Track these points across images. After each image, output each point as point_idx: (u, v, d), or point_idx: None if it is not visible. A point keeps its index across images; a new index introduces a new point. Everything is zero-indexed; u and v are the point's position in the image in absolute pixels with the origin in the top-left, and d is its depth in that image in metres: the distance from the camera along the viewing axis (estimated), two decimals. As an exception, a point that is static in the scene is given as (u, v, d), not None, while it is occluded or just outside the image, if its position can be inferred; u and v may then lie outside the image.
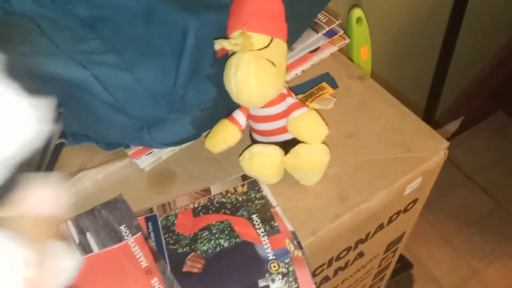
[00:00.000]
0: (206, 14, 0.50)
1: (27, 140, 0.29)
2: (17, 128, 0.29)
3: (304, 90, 0.60)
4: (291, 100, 0.51)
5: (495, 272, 1.51)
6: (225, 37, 0.48)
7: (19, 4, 0.51)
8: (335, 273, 0.60)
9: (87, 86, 0.48)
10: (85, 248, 0.47)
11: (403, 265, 1.31)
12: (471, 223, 1.60)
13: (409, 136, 0.57)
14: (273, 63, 0.47)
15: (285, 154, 0.51)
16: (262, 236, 0.48)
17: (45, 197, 0.31)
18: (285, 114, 0.51)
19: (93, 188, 0.54)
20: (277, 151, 0.50)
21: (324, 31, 0.63)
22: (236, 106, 0.52)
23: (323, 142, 0.51)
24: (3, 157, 0.28)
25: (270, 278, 0.46)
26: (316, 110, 0.56)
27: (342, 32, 0.64)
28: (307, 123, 0.50)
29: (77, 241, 0.48)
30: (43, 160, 0.51)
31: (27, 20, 0.51)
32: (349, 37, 0.66)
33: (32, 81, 0.52)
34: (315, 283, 0.58)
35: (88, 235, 0.48)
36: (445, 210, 1.59)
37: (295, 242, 0.48)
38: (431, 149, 0.56)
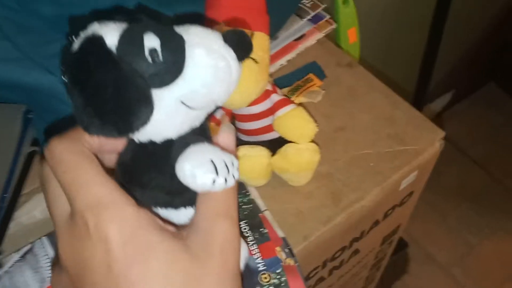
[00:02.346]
0: (182, 6, 0.46)
1: None
2: None
3: (290, 82, 0.56)
4: (276, 97, 0.47)
5: (491, 247, 1.51)
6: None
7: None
8: (330, 273, 0.58)
9: (55, 92, 0.45)
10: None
11: (398, 245, 1.29)
12: (466, 198, 1.59)
13: (403, 127, 0.54)
14: (255, 60, 0.43)
15: (272, 154, 0.48)
16: (251, 245, 0.45)
17: None
18: (271, 112, 0.48)
19: (70, 198, 0.51)
20: (264, 152, 0.47)
21: (309, 17, 0.60)
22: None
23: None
24: None
25: (261, 290, 0.44)
26: (303, 104, 0.53)
27: (328, 17, 0.61)
28: (294, 122, 0.47)
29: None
30: (14, 170, 0.48)
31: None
32: (335, 20, 0.62)
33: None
34: (309, 286, 0.56)
35: (65, 252, 0.45)
36: (439, 187, 1.57)
37: (287, 250, 0.45)
38: (426, 140, 0.53)
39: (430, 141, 0.53)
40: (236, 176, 0.29)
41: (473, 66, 1.66)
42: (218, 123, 0.48)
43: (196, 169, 0.28)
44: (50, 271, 0.44)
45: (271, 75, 0.56)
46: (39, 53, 0.45)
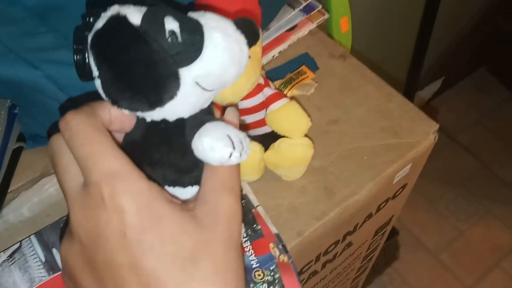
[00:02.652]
0: (170, -1, 0.45)
1: None
2: None
3: (282, 74, 0.55)
4: (269, 91, 0.46)
5: (480, 232, 1.52)
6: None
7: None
8: (323, 266, 0.58)
9: (41, 87, 0.43)
10: (51, 266, 0.43)
11: (389, 232, 1.30)
12: (455, 184, 1.60)
13: (396, 120, 0.54)
14: (247, 54, 0.42)
15: (265, 149, 0.47)
16: (245, 242, 0.45)
17: None
18: (263, 106, 0.47)
19: (58, 195, 0.49)
20: (257, 147, 0.46)
21: (301, 7, 0.58)
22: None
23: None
24: None
25: (255, 288, 0.43)
26: (296, 96, 0.52)
27: (320, 6, 0.59)
28: (287, 116, 0.46)
29: (43, 258, 0.44)
30: (0, 166, 0.47)
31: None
32: (327, 10, 0.61)
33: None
34: (303, 280, 0.55)
35: (55, 251, 0.44)
36: (428, 173, 1.56)
37: (280, 246, 0.45)
38: (420, 133, 0.53)
39: (424, 134, 0.52)
40: (248, 152, 0.30)
41: (463, 52, 1.65)
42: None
43: (215, 142, 0.29)
44: (38, 271, 0.43)
45: (263, 67, 0.55)
46: (22, 45, 0.44)
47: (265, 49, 0.56)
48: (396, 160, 0.51)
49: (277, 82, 0.54)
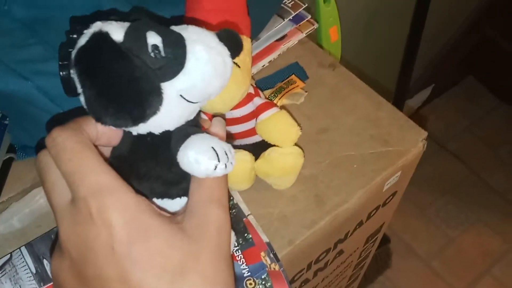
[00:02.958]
0: (161, 10, 0.45)
1: None
2: None
3: (272, 84, 0.56)
4: (259, 100, 0.47)
5: (470, 239, 1.53)
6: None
7: None
8: (315, 274, 0.58)
9: (31, 98, 0.43)
10: (42, 277, 0.43)
11: (380, 240, 1.30)
12: (444, 191, 1.61)
13: (386, 128, 0.54)
14: (237, 64, 0.42)
15: (256, 158, 0.47)
16: (236, 250, 0.45)
17: None
18: (253, 115, 0.47)
19: (48, 206, 0.49)
20: (247, 157, 0.46)
21: (290, 17, 0.59)
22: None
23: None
24: None
25: (246, 297, 0.43)
26: (286, 105, 0.53)
27: (309, 16, 0.60)
28: (278, 126, 0.46)
29: (34, 270, 0.43)
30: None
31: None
32: (316, 20, 0.62)
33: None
34: (295, 288, 0.55)
35: (45, 262, 0.44)
36: (418, 180, 1.57)
37: (271, 255, 0.45)
38: (410, 141, 0.53)
39: (413, 142, 0.53)
40: (234, 163, 0.31)
41: (452, 60, 1.67)
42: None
43: (199, 155, 0.30)
44: (29, 283, 0.43)
45: (253, 77, 0.55)
46: (11, 57, 0.44)
47: (255, 59, 0.57)
48: (385, 168, 0.51)
49: (267, 92, 0.54)
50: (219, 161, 0.30)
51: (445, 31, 1.55)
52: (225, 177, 0.33)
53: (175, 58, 0.29)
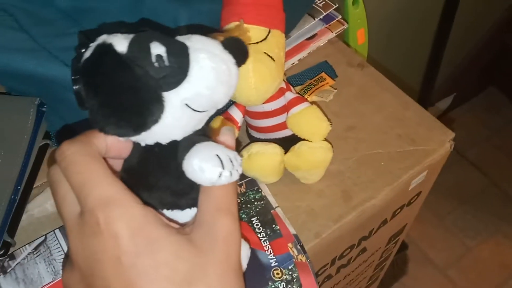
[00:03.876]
0: (199, 3, 0.46)
1: None
2: None
3: (302, 81, 0.56)
4: (290, 95, 0.48)
5: (488, 250, 1.51)
6: (219, 29, 0.45)
7: (-6, -4, 0.47)
8: (338, 270, 0.58)
9: (70, 85, 0.44)
10: (75, 259, 0.44)
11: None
12: (463, 201, 1.60)
13: (413, 128, 0.55)
14: (271, 58, 0.43)
15: (285, 152, 0.48)
16: (264, 241, 0.46)
17: None
18: (284, 109, 0.48)
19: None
20: (277, 150, 0.47)
21: (321, 16, 0.60)
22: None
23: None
24: None
25: (273, 286, 0.44)
26: (315, 102, 0.53)
27: (339, 17, 0.61)
28: (308, 120, 0.47)
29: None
30: (27, 162, 0.48)
31: (3, 13, 0.47)
32: (346, 22, 0.62)
33: (10, 79, 0.49)
34: (317, 283, 0.56)
35: (78, 245, 0.45)
36: (437, 189, 1.56)
37: (298, 246, 0.46)
38: (437, 141, 0.53)
39: (440, 142, 0.53)
40: (240, 171, 0.30)
41: (474, 70, 1.67)
42: (231, 118, 0.48)
43: (204, 163, 0.29)
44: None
45: (284, 73, 0.56)
46: (54, 45, 0.45)
47: (285, 57, 0.58)
48: (412, 166, 0.52)
49: (298, 88, 0.55)
50: (223, 168, 0.29)
51: (467, 40, 1.55)
52: (234, 185, 0.32)
53: (178, 67, 0.29)
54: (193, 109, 0.31)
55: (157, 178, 0.32)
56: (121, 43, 0.29)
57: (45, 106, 0.49)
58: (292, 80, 0.57)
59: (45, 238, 0.45)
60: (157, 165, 0.32)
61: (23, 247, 0.45)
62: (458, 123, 1.72)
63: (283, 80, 0.49)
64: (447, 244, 1.53)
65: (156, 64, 0.29)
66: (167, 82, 0.29)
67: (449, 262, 1.50)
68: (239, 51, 0.32)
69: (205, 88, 0.30)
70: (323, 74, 0.56)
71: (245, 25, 0.42)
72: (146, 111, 0.29)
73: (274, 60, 0.44)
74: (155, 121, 0.30)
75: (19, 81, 0.47)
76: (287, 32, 0.56)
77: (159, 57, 0.29)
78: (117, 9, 0.46)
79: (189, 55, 0.30)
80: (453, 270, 1.48)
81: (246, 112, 0.49)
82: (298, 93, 0.52)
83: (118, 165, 0.34)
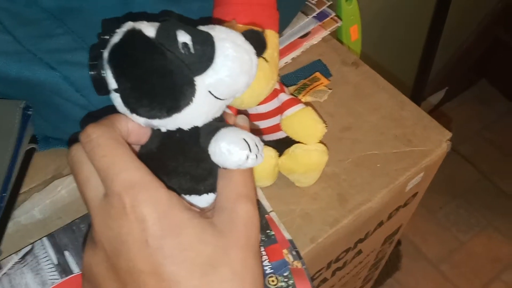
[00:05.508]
0: (189, 1, 0.45)
1: None
2: None
3: (296, 80, 0.55)
4: (284, 96, 0.46)
5: (481, 244, 1.52)
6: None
7: (-26, -4, 0.45)
8: (333, 273, 0.57)
9: (57, 88, 0.43)
10: (64, 269, 0.43)
11: (393, 242, 1.30)
12: (456, 195, 1.60)
13: (410, 128, 0.54)
14: (265, 59, 0.42)
15: (279, 154, 0.47)
16: (258, 247, 0.44)
17: None
18: (278, 111, 0.46)
19: (70, 197, 0.49)
20: (271, 153, 0.46)
21: (314, 14, 0.59)
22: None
23: (319, 140, 0.47)
24: None
25: (268, 293, 0.43)
26: (309, 103, 0.52)
27: (333, 14, 0.60)
28: (303, 122, 0.46)
29: (55, 261, 0.43)
30: (12, 167, 0.46)
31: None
32: (340, 19, 0.61)
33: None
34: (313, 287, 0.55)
35: (67, 254, 0.44)
36: (429, 183, 1.58)
37: (294, 252, 0.45)
38: (433, 141, 0.53)
39: (437, 142, 0.52)
40: (263, 156, 0.32)
41: (465, 64, 1.66)
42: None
43: (232, 146, 0.31)
44: (51, 274, 0.42)
45: (278, 76, 0.55)
46: (38, 47, 0.44)
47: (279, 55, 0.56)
48: (409, 168, 0.51)
49: (291, 88, 0.53)
50: (250, 151, 0.30)
51: (459, 34, 1.54)
52: (252, 172, 0.33)
53: (204, 54, 0.30)
54: (215, 97, 0.32)
55: (177, 164, 0.33)
56: (149, 29, 0.30)
57: (31, 109, 0.48)
58: (286, 79, 0.55)
59: (33, 247, 0.44)
60: (177, 151, 0.33)
61: (10, 256, 0.43)
62: (449, 117, 1.72)
63: (277, 81, 0.47)
64: (440, 238, 1.53)
65: (182, 51, 0.30)
66: (194, 68, 0.30)
67: (442, 257, 1.50)
68: (258, 43, 0.33)
69: (229, 76, 0.31)
70: (317, 74, 0.55)
71: (239, 25, 0.41)
72: (180, 93, 0.30)
73: (267, 61, 0.42)
74: (187, 103, 0.31)
75: (3, 85, 0.46)
76: (280, 31, 0.55)
77: (185, 45, 0.30)
78: (105, 8, 0.45)
79: (214, 43, 0.31)
80: (446, 265, 1.49)
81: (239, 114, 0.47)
82: (292, 94, 0.51)
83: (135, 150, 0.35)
